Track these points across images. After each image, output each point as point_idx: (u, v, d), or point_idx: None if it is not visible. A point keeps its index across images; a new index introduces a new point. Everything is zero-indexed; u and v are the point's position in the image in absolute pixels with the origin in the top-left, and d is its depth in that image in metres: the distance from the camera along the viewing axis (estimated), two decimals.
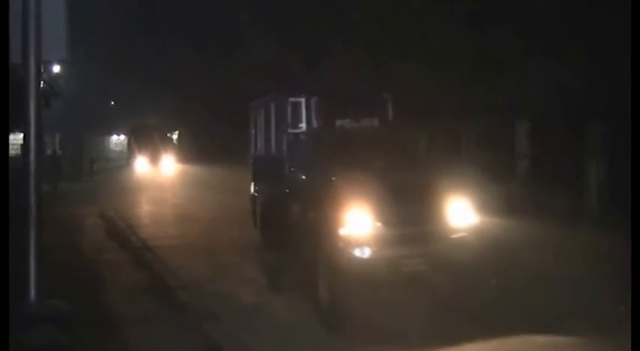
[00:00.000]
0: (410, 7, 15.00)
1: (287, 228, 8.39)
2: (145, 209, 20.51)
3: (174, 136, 39.25)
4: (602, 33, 11.40)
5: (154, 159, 32.70)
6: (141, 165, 32.72)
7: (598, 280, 7.91)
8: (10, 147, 7.29)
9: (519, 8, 13.25)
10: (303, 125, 8.82)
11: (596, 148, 13.01)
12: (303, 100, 8.89)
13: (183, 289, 8.97)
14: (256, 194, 10.73)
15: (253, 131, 11.11)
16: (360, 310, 6.82)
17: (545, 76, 12.58)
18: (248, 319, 7.45)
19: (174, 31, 35.10)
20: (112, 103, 50.69)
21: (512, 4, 13.42)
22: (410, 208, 7.21)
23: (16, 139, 10.52)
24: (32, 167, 6.17)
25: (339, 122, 8.75)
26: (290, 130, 8.86)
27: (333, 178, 7.55)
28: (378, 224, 7.06)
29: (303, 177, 8.15)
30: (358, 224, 7.01)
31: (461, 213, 7.39)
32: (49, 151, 27.73)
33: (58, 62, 18.86)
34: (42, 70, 7.81)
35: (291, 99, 8.94)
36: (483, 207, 8.17)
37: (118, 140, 64.30)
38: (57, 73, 28.10)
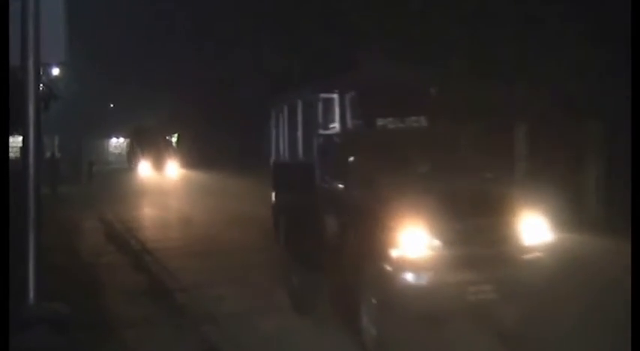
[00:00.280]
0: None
1: (319, 245, 7.29)
2: (146, 213, 20.45)
3: (174, 140, 39.16)
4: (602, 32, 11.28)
5: (158, 164, 31.99)
6: (144, 170, 32.09)
7: None
8: (10, 150, 7.28)
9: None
10: (337, 125, 7.50)
11: None
12: (336, 95, 7.55)
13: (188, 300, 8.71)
14: (279, 205, 9.36)
15: (274, 133, 9.59)
16: (414, 348, 5.86)
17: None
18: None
19: (173, 33, 35.10)
20: (111, 105, 50.70)
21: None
22: (474, 224, 6.07)
23: (15, 141, 10.51)
24: (31, 170, 6.18)
25: (380, 122, 7.49)
26: (321, 132, 7.64)
27: (380, 189, 6.40)
28: (437, 243, 5.92)
29: (341, 186, 7.01)
30: (413, 244, 5.87)
31: (534, 228, 6.20)
32: (48, 154, 27.78)
33: (57, 65, 18.90)
34: (41, 73, 7.83)
35: (323, 95, 7.65)
36: (557, 220, 6.84)
37: (117, 143, 64.40)
38: (56, 76, 28.24)
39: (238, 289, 8.97)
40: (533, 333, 5.91)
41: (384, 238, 5.89)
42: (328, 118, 7.54)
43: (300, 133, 8.33)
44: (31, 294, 6.06)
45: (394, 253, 5.82)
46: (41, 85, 9.24)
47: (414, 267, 5.83)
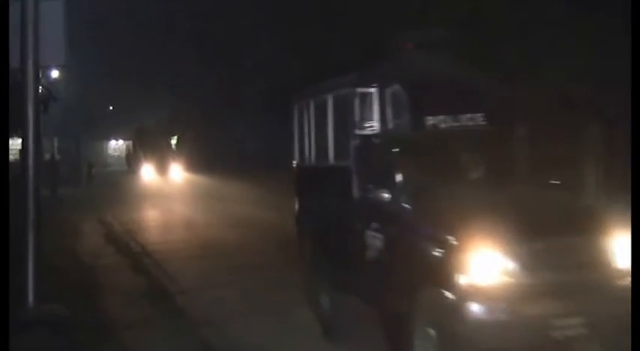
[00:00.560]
0: None
1: (357, 264, 6.35)
2: (147, 216, 20.43)
3: (173, 142, 39.02)
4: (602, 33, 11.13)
5: (162, 167, 30.80)
6: (148, 173, 30.94)
7: None
8: (10, 152, 7.30)
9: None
10: (376, 124, 6.48)
11: None
12: (376, 90, 6.48)
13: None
14: (305, 215, 8.19)
15: (298, 133, 8.35)
16: None
17: None
18: None
19: (173, 35, 35.08)
20: (111, 108, 50.75)
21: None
22: (558, 243, 5.09)
23: (14, 144, 10.52)
24: (31, 172, 6.20)
25: (429, 120, 6.31)
26: (358, 132, 6.58)
27: (437, 200, 5.51)
28: (514, 268, 4.94)
29: (387, 196, 5.92)
30: (484, 268, 4.91)
31: (626, 249, 5.05)
32: (47, 156, 27.80)
33: (57, 67, 18.92)
34: (40, 75, 7.85)
35: (360, 89, 6.59)
36: None
37: (116, 145, 64.49)
38: (55, 78, 28.30)
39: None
40: None
41: (447, 260, 4.98)
42: (366, 116, 6.54)
43: (330, 133, 7.26)
44: (31, 296, 6.09)
45: (460, 279, 4.89)
46: (40, 87, 9.26)
47: (486, 296, 4.87)
